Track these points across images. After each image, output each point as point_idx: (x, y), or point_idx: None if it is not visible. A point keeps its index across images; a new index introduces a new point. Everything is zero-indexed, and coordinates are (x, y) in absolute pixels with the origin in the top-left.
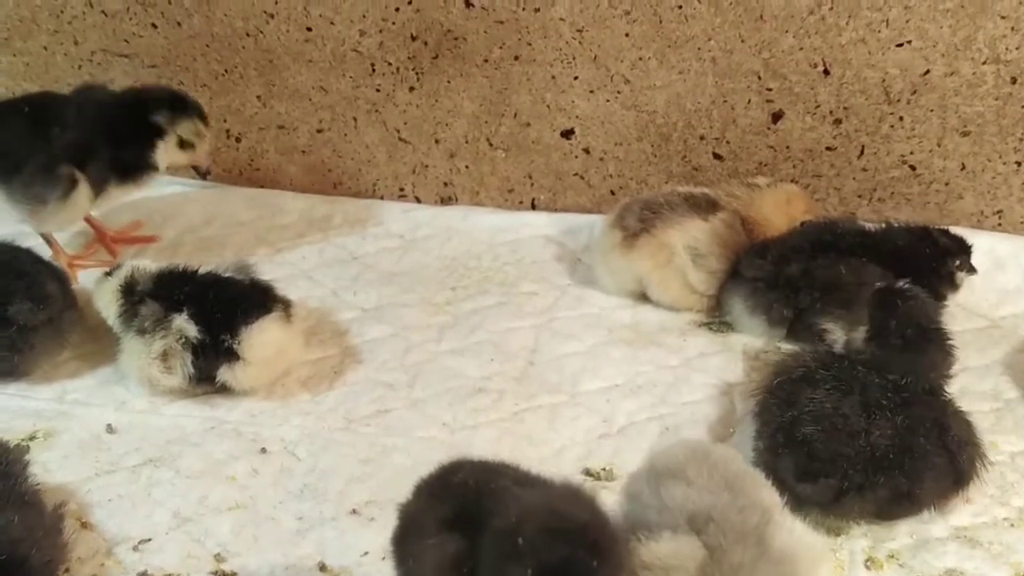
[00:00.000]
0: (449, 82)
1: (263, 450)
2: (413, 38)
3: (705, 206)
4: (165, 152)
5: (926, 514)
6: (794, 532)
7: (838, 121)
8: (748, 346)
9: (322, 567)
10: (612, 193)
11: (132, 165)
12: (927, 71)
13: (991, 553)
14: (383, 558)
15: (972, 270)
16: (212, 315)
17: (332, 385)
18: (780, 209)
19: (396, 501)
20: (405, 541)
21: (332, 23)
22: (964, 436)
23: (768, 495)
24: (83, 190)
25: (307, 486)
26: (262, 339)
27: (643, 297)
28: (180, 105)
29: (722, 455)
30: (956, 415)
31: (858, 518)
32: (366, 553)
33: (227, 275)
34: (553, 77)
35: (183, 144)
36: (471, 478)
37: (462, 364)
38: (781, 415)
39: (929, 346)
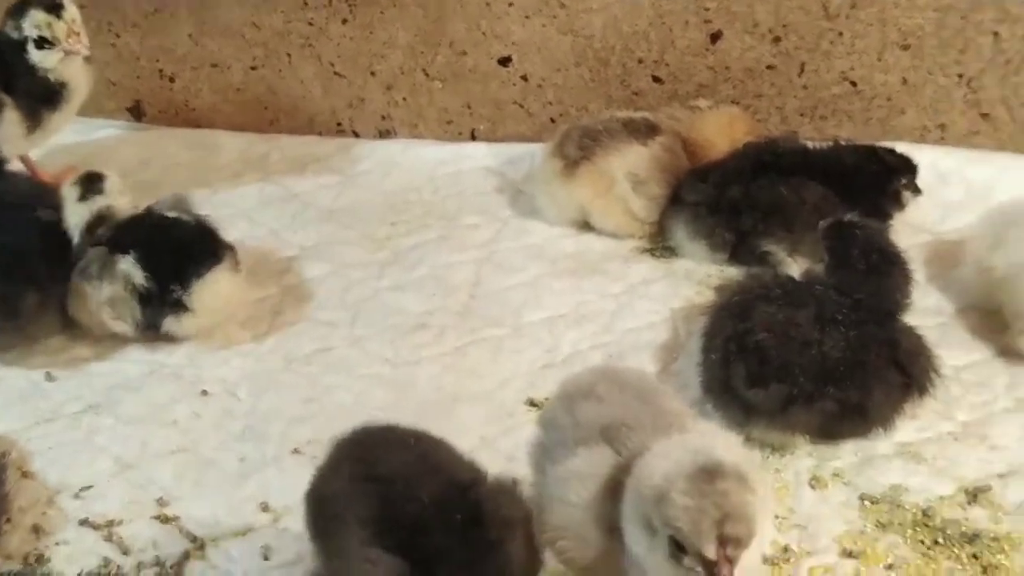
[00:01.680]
0: (383, 12)
1: (204, 392)
2: None
3: (645, 131)
4: (38, 57)
5: (873, 434)
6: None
7: (777, 39)
8: (692, 271)
9: (264, 507)
10: (552, 121)
11: (34, 84)
12: None
13: (935, 468)
14: None
15: (917, 191)
16: (160, 262)
17: (272, 325)
18: (722, 131)
19: None
20: (325, 529)
21: None
22: (915, 348)
23: (680, 405)
24: (11, 115)
25: (249, 427)
26: (213, 290)
27: (586, 225)
28: (17, 9)
29: (631, 373)
30: (906, 331)
31: (805, 431)
32: None
33: (172, 215)
34: (488, 4)
35: (43, 42)
36: (398, 472)
37: (403, 300)
38: (734, 327)
39: (893, 269)
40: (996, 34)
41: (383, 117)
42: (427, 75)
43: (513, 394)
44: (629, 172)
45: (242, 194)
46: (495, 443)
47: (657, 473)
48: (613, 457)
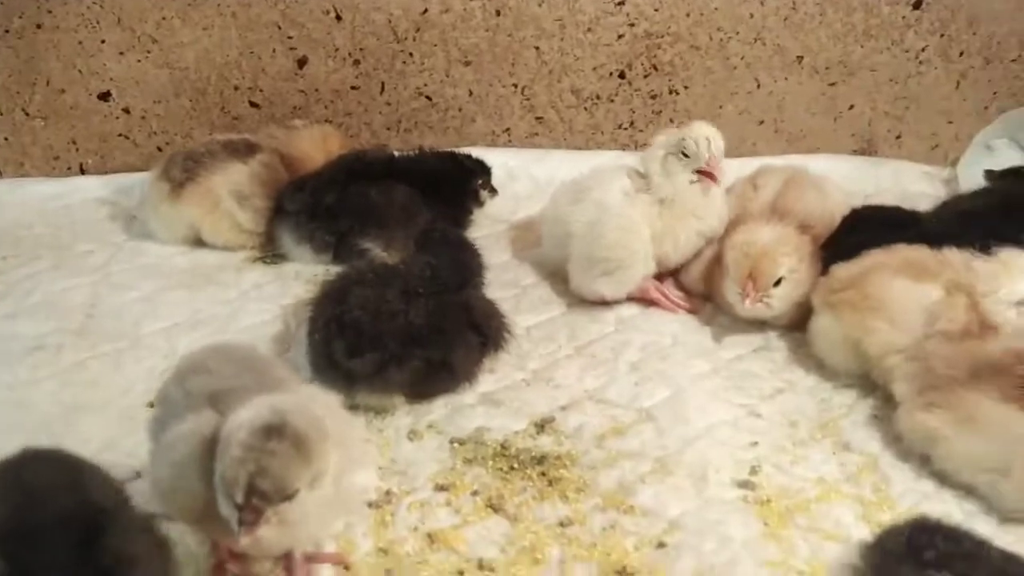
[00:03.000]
0: None
1: None
2: None
3: (244, 150)
4: None
5: (460, 388)
6: (311, 390)
7: (357, 62)
8: (301, 272)
9: None
10: (159, 150)
11: None
12: (425, 10)
13: (511, 409)
14: None
15: (494, 191)
16: None
17: None
18: (317, 147)
19: None
20: None
21: None
22: (488, 312)
23: (287, 373)
24: None
25: None
26: None
27: (199, 242)
28: None
29: (242, 347)
30: (480, 298)
31: (400, 391)
32: None
33: None
34: (80, 42)
35: None
36: (37, 486)
37: (17, 326)
38: (334, 309)
39: (465, 250)
40: (538, 48)
41: None
42: (27, 114)
43: (135, 399)
44: (232, 189)
45: None
46: (118, 444)
47: (233, 424)
48: (216, 419)
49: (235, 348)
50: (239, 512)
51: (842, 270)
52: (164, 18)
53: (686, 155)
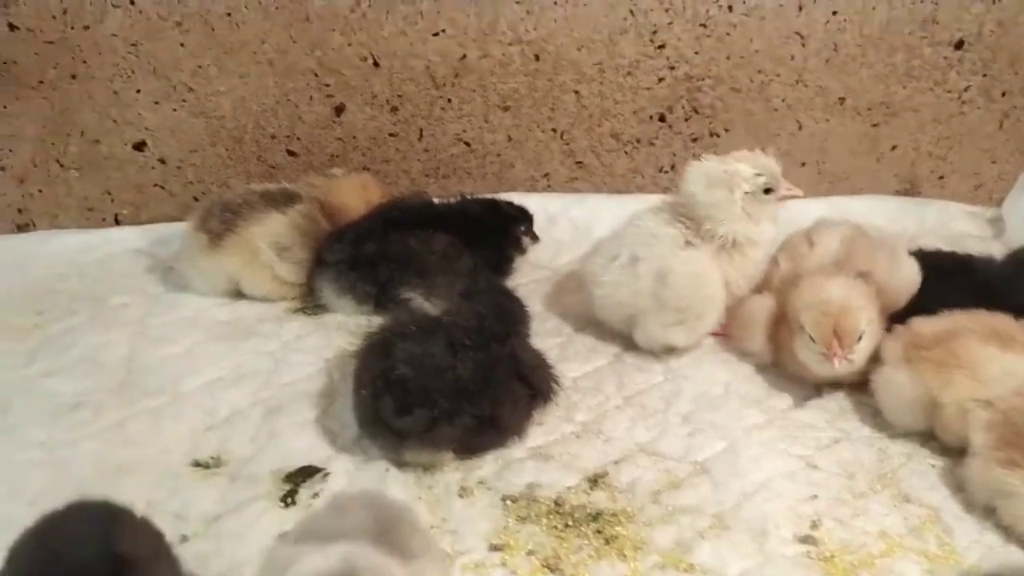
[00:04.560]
0: (5, 107)
1: None
2: None
3: (283, 200)
4: None
5: (510, 442)
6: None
7: (395, 108)
8: (343, 323)
9: None
10: (195, 199)
11: None
12: (464, 55)
13: (562, 463)
14: None
15: (535, 238)
16: None
17: None
18: (356, 195)
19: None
20: None
21: None
22: (536, 363)
23: (428, 545)
24: None
25: None
26: None
27: (239, 294)
28: None
29: (394, 504)
30: (527, 349)
31: (450, 446)
32: None
33: None
34: (115, 92)
35: None
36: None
37: (56, 384)
38: (379, 365)
39: (509, 302)
40: (577, 92)
41: (20, 211)
42: (61, 165)
43: (178, 458)
44: (272, 240)
45: None
46: (162, 505)
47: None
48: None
49: (386, 503)
50: None
51: (924, 326)
52: (200, 67)
53: (769, 191)
